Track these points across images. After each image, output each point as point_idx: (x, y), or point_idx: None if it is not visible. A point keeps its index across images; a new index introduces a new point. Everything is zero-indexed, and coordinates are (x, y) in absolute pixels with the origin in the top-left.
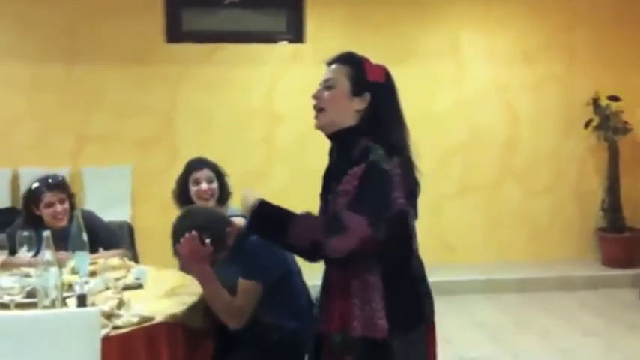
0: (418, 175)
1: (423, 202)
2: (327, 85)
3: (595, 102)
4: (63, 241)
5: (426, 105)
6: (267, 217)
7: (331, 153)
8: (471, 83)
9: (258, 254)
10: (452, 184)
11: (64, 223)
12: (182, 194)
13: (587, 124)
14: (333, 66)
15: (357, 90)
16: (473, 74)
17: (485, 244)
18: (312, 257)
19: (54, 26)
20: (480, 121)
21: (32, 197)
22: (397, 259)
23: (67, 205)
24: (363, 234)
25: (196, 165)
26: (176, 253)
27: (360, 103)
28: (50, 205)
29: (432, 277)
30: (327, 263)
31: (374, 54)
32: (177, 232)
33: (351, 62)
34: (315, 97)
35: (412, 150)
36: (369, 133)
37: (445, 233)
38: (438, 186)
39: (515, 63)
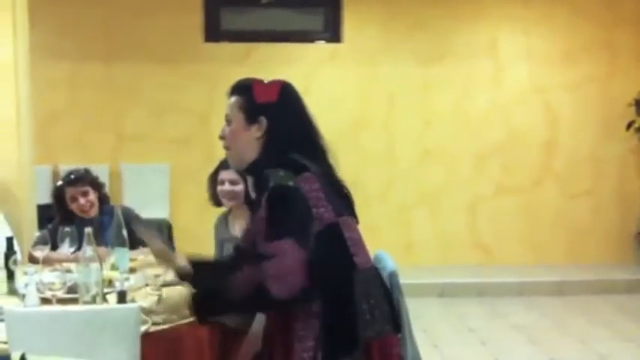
0: (344, 182)
1: (458, 202)
2: (227, 121)
3: (637, 103)
4: (95, 231)
5: (463, 105)
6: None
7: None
8: (508, 83)
9: None
10: (488, 185)
11: (92, 214)
12: (212, 193)
13: (629, 126)
14: (230, 99)
15: (251, 118)
16: (511, 74)
17: (522, 247)
18: (261, 306)
19: (92, 26)
20: (518, 122)
21: (57, 195)
22: (336, 281)
23: (91, 197)
24: (297, 255)
25: (224, 165)
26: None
27: (257, 131)
28: (74, 199)
29: (467, 279)
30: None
31: (411, 53)
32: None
33: (240, 91)
34: (220, 136)
35: (330, 158)
36: (272, 159)
37: (481, 235)
38: (474, 187)
39: (554, 63)
